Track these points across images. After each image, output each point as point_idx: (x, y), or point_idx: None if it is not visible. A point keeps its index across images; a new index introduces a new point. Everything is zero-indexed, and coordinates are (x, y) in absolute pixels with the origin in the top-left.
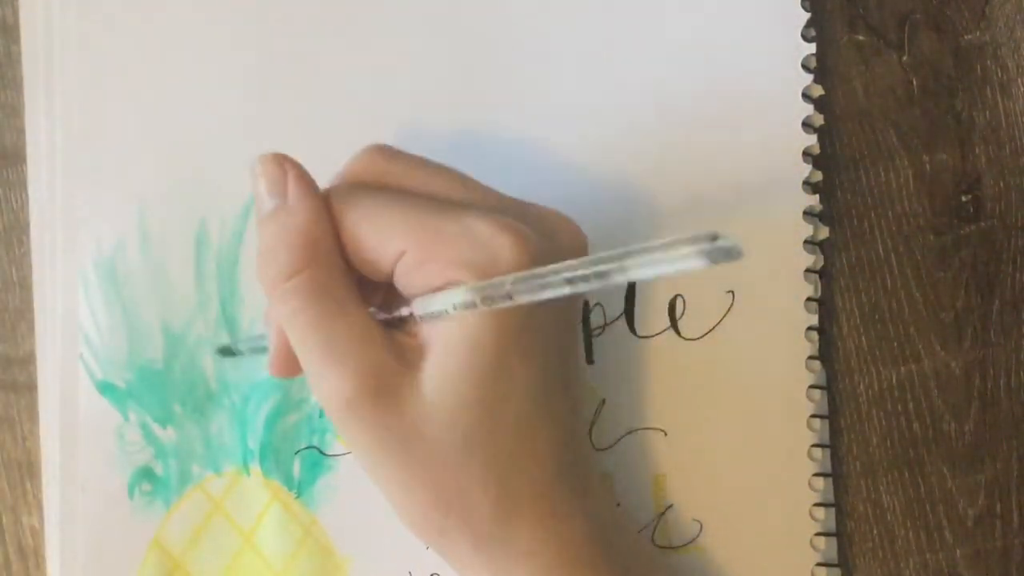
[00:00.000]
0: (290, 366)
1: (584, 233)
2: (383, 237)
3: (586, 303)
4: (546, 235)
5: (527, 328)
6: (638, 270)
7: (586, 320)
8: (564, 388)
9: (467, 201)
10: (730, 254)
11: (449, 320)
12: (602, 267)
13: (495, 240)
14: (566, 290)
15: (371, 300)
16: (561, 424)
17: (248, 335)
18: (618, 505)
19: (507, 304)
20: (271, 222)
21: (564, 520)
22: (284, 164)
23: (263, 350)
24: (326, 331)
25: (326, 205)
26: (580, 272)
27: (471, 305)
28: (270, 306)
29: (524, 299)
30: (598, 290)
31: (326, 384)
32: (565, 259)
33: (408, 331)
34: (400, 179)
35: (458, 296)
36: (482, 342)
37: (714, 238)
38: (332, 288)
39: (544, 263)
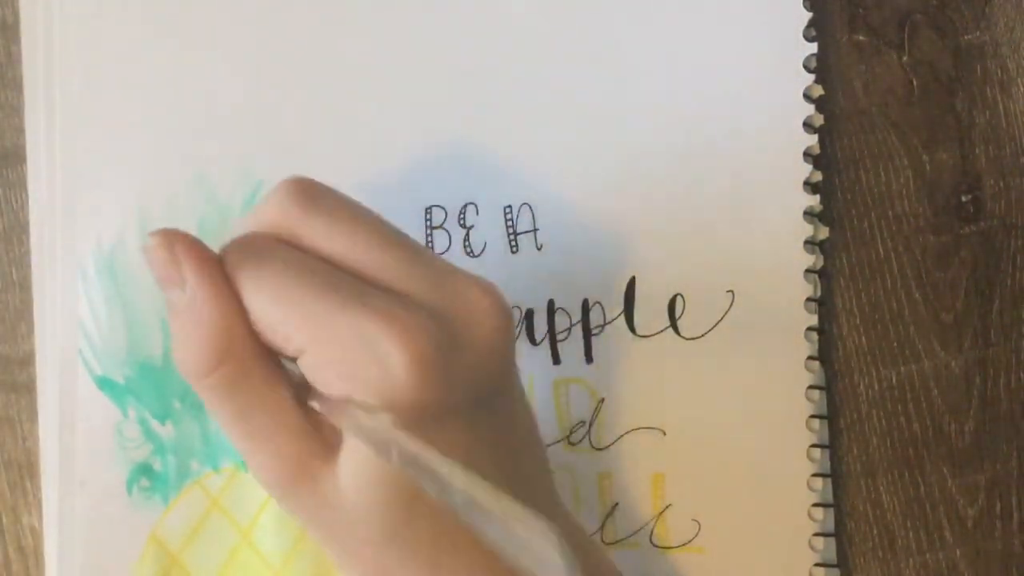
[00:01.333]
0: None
1: (504, 307)
2: (284, 331)
3: (585, 301)
4: (452, 321)
5: (440, 423)
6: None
7: (585, 319)
8: (499, 475)
9: (380, 272)
10: None
11: None
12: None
13: (388, 347)
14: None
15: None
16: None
17: None
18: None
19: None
20: (174, 316)
21: None
22: (172, 246)
23: None
24: (247, 419)
25: (230, 286)
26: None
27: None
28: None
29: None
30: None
31: (254, 467)
32: (475, 347)
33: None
34: (314, 237)
35: (350, 429)
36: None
37: None
38: (247, 380)
39: (439, 363)
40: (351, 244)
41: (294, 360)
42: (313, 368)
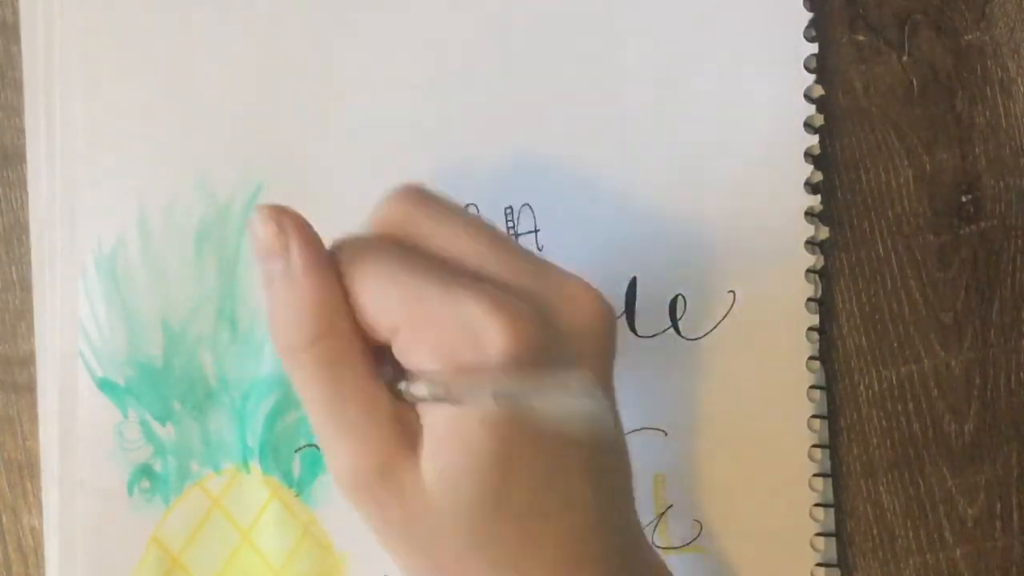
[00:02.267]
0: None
1: (602, 302)
2: (381, 311)
3: None
4: (552, 310)
5: (527, 418)
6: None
7: None
8: (587, 473)
9: (483, 266)
10: None
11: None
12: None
13: (489, 326)
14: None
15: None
16: (583, 510)
17: None
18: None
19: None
20: (277, 290)
21: None
22: (284, 223)
23: None
24: (335, 406)
25: (334, 266)
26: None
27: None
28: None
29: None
30: None
31: (335, 457)
32: (574, 339)
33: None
34: (421, 233)
35: (425, 391)
36: (479, 435)
37: None
38: (343, 361)
39: (541, 347)
40: (455, 238)
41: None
42: (405, 348)
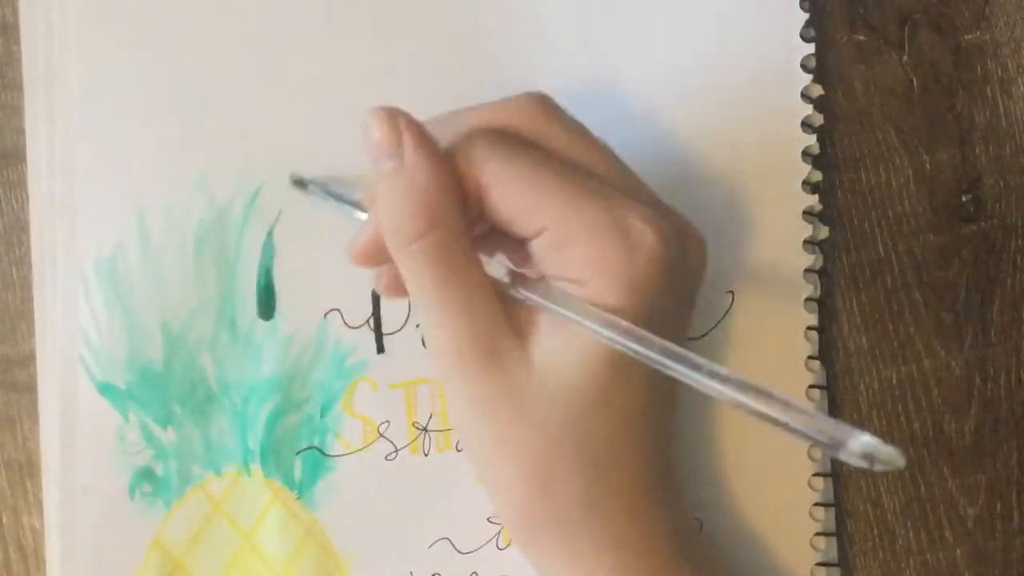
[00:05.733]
0: (372, 259)
1: (705, 240)
2: (529, 206)
3: None
4: (679, 239)
5: (649, 320)
6: (769, 419)
7: None
8: (671, 388)
9: (619, 185)
10: (890, 462)
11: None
12: (763, 407)
13: (640, 238)
14: (711, 389)
15: (495, 247)
16: (663, 424)
17: (331, 179)
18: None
19: (639, 356)
20: (389, 185)
21: (652, 518)
22: (399, 123)
23: (344, 205)
24: (446, 291)
25: (448, 165)
26: (741, 391)
27: (604, 340)
28: (375, 194)
29: (660, 367)
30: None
31: (442, 337)
32: (691, 267)
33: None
34: (558, 144)
35: (561, 311)
36: (594, 343)
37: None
38: (453, 251)
39: (675, 268)
40: (590, 156)
41: (520, 244)
42: (550, 246)
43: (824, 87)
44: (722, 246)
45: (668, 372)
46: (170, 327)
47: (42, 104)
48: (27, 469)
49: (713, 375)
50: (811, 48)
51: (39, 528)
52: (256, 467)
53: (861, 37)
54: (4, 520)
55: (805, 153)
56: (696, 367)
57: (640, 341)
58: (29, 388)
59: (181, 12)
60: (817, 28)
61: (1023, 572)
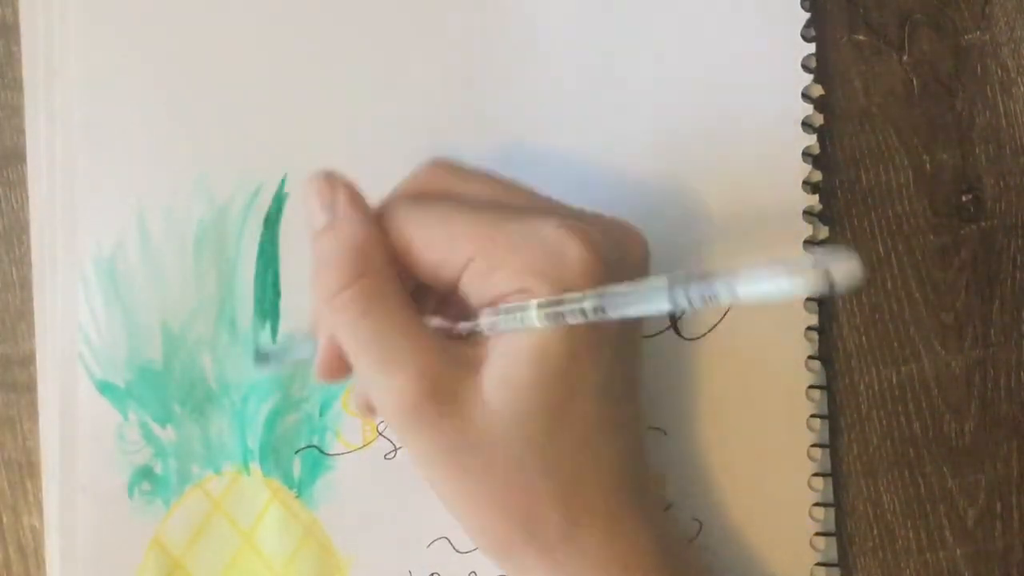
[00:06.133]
0: (337, 371)
1: (647, 241)
2: (450, 244)
3: None
4: (612, 242)
5: (596, 331)
6: (748, 290)
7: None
8: (629, 395)
9: (535, 209)
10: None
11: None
12: (711, 284)
13: (564, 244)
14: (664, 307)
15: (424, 310)
16: (626, 432)
17: (285, 343)
18: (668, 507)
19: (596, 319)
20: (323, 237)
21: (630, 530)
22: (333, 180)
23: (302, 359)
24: (385, 338)
25: (377, 219)
26: (682, 289)
27: (555, 318)
28: (319, 317)
29: (616, 314)
30: (691, 308)
31: (389, 390)
32: (631, 268)
33: (466, 340)
34: (464, 191)
35: (534, 316)
36: (550, 348)
37: (825, 262)
38: (387, 296)
39: (612, 269)
40: (500, 192)
41: (447, 284)
42: (478, 275)
43: (824, 87)
44: (722, 246)
45: (630, 314)
46: (170, 326)
47: (42, 104)
48: (27, 469)
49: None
50: (812, 48)
51: (39, 528)
52: (255, 466)
53: (861, 37)
54: (4, 520)
55: (805, 153)
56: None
57: (594, 297)
58: (29, 388)
59: (181, 12)
60: (817, 28)
61: (1023, 572)
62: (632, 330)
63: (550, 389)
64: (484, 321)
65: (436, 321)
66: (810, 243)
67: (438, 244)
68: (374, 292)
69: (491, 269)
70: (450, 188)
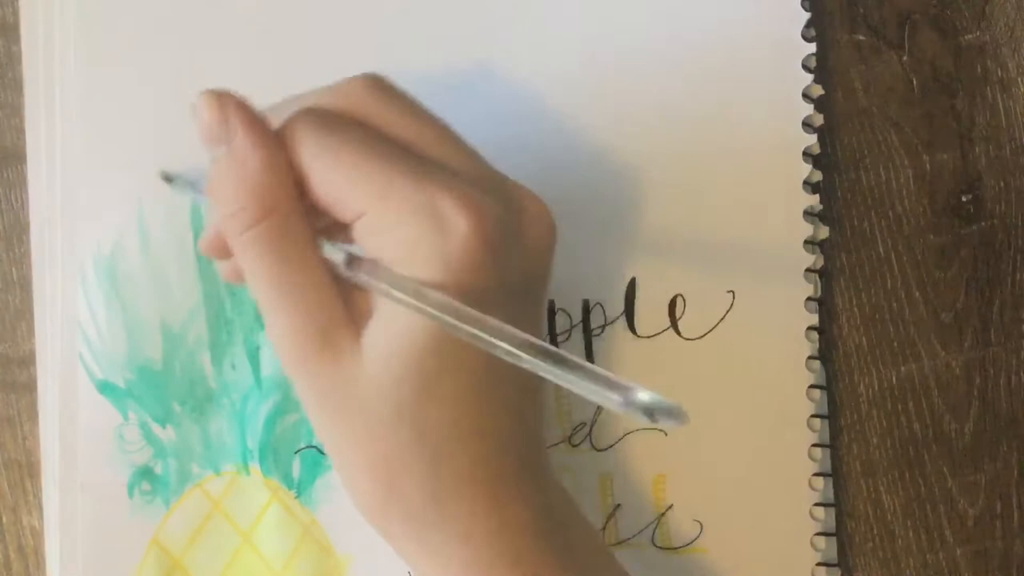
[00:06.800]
0: (216, 252)
1: (551, 216)
2: (347, 191)
3: (586, 302)
4: (512, 213)
5: (482, 308)
6: (571, 385)
7: (586, 320)
8: (517, 375)
9: (447, 162)
10: (671, 415)
11: None
12: (542, 363)
13: (455, 217)
14: (509, 355)
15: (332, 235)
16: (510, 410)
17: (190, 178)
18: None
19: (449, 328)
20: (221, 171)
21: (506, 507)
22: (224, 107)
23: (198, 194)
24: (281, 281)
25: (281, 146)
26: (532, 355)
27: (415, 309)
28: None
29: (466, 336)
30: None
31: (279, 330)
32: (529, 248)
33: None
34: (387, 124)
35: (401, 295)
36: (420, 332)
37: (650, 402)
38: (287, 239)
39: (502, 250)
40: (420, 134)
41: (343, 228)
42: (367, 231)
43: (824, 87)
44: (722, 246)
45: (479, 343)
46: (170, 326)
47: (42, 104)
48: (27, 469)
49: (516, 343)
50: (812, 48)
51: (39, 528)
52: (255, 466)
53: (861, 37)
54: (4, 520)
55: (806, 153)
56: (501, 335)
57: (449, 312)
58: (29, 388)
59: (181, 12)
60: (817, 28)
61: (1023, 572)
62: (533, 307)
63: (423, 361)
64: (363, 277)
65: (328, 249)
66: (810, 243)
67: (334, 186)
68: (275, 236)
69: (378, 229)
70: (370, 115)
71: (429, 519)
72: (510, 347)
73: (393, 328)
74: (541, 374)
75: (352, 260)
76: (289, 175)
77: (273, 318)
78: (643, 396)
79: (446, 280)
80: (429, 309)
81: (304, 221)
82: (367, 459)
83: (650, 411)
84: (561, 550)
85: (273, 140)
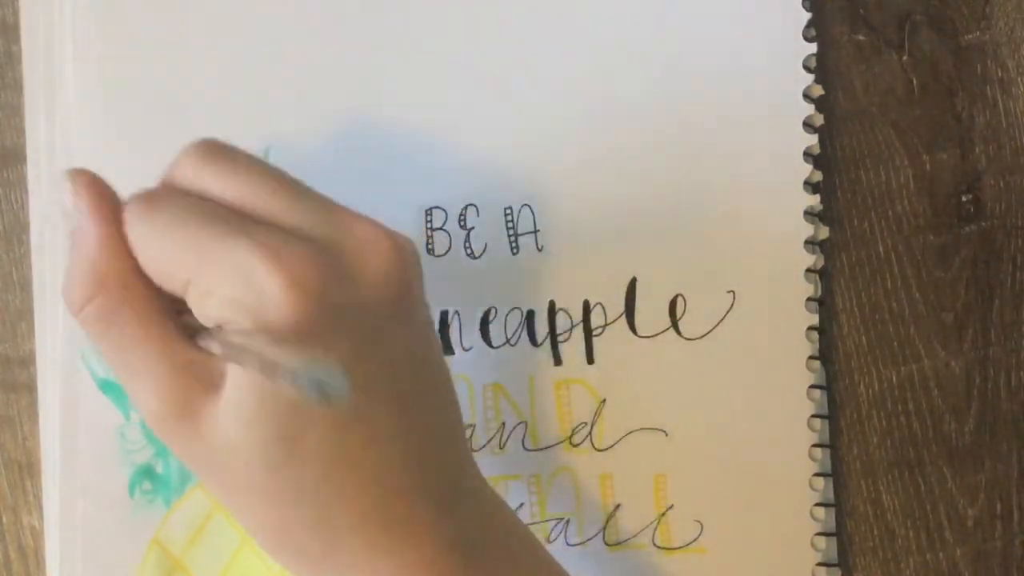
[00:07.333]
0: None
1: (392, 237)
2: (169, 262)
3: (586, 302)
4: (336, 252)
5: (333, 353)
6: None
7: (586, 320)
8: (395, 407)
9: (272, 213)
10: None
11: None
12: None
13: (267, 279)
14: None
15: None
16: (390, 446)
17: None
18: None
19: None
20: (70, 248)
21: (405, 548)
22: (76, 181)
23: None
24: (126, 355)
25: (119, 224)
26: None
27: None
28: None
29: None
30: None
31: (136, 401)
32: (361, 272)
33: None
34: (213, 185)
35: (216, 347)
36: (271, 390)
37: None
38: (124, 314)
39: (321, 290)
40: (242, 187)
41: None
42: (197, 299)
43: (824, 87)
44: (723, 246)
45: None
46: None
47: (42, 104)
48: (27, 469)
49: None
50: (812, 48)
51: (39, 528)
52: None
53: (861, 37)
54: (4, 520)
55: (806, 153)
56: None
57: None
58: (29, 388)
59: (180, 12)
60: (818, 28)
61: (1023, 572)
62: (404, 325)
63: (281, 422)
64: (210, 344)
65: (187, 318)
66: (810, 243)
67: (160, 260)
68: (110, 311)
69: (204, 294)
70: (197, 182)
71: (331, 565)
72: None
73: (245, 392)
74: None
75: (197, 329)
76: (126, 254)
77: (129, 391)
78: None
79: (271, 329)
80: (252, 353)
81: (142, 297)
82: (258, 522)
83: (318, 387)
84: (480, 568)
85: (109, 217)
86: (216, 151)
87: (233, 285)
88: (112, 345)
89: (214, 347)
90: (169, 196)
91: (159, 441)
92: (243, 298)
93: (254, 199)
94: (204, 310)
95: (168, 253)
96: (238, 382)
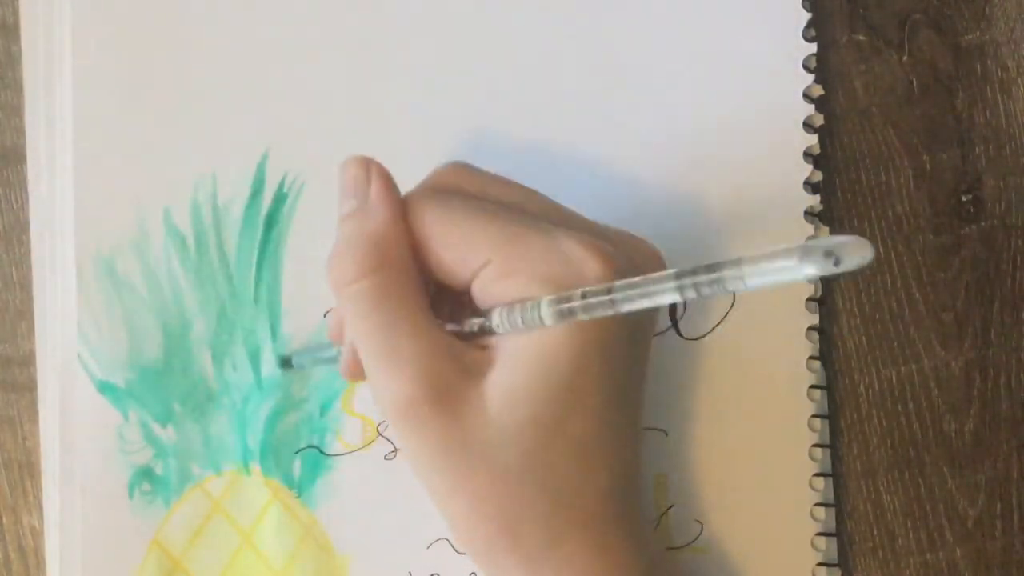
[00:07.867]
0: (363, 372)
1: (662, 256)
2: (469, 244)
3: None
4: (627, 257)
5: (605, 347)
6: (755, 279)
7: None
8: (631, 412)
9: (553, 219)
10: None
11: (524, 334)
12: (719, 274)
13: (583, 259)
14: (675, 297)
15: (439, 311)
16: (623, 449)
17: (309, 346)
18: (669, 509)
19: (607, 313)
20: (348, 223)
21: (615, 544)
22: (369, 166)
23: (326, 360)
24: (390, 335)
25: (404, 212)
26: (693, 279)
27: (565, 314)
28: (337, 307)
29: (626, 307)
30: (701, 299)
31: (387, 387)
32: None
33: (476, 343)
34: (483, 193)
35: (548, 306)
36: (557, 359)
37: (830, 248)
38: (400, 293)
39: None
40: (519, 197)
41: (461, 284)
42: (491, 279)
43: (824, 87)
44: (723, 246)
45: (640, 307)
46: (170, 326)
47: (42, 104)
48: (27, 469)
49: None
50: (812, 48)
51: (39, 528)
52: (255, 466)
53: (861, 37)
54: (4, 520)
55: (806, 153)
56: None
57: (603, 291)
58: (29, 388)
59: (180, 12)
60: (818, 28)
61: (1023, 572)
62: (642, 338)
63: (553, 402)
64: (494, 317)
65: (450, 326)
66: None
67: (456, 242)
68: (389, 286)
69: (506, 273)
70: (470, 189)
71: (545, 563)
72: (677, 284)
73: (520, 374)
74: (706, 296)
75: (462, 315)
76: (407, 240)
77: (383, 375)
78: (819, 243)
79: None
80: (578, 306)
81: (417, 284)
82: (487, 514)
83: (832, 255)
84: None
85: (400, 201)
86: (473, 168)
87: (549, 264)
88: (378, 323)
89: (490, 325)
90: (452, 193)
91: (158, 442)
92: (558, 278)
93: (530, 205)
94: (500, 289)
95: (468, 237)
96: (510, 366)
